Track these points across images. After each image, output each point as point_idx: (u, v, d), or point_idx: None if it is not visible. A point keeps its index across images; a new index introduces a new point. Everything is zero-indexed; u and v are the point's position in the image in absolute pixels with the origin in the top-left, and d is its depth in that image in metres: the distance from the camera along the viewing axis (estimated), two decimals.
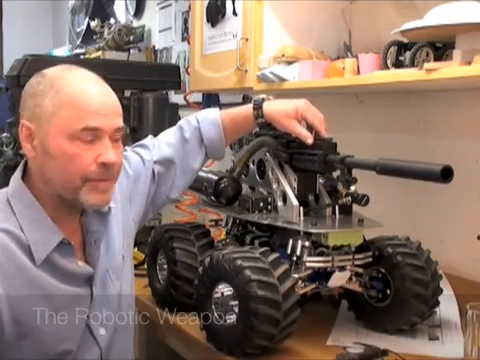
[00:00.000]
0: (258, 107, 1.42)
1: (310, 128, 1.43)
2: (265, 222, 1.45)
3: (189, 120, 1.47)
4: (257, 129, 1.63)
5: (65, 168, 1.10)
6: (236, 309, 1.28)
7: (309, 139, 1.39)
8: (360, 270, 1.43)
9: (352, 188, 1.38)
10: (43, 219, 1.13)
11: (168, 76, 2.59)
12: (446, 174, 1.13)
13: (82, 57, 3.80)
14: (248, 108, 1.44)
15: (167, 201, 1.47)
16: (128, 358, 1.33)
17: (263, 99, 1.44)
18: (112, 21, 3.88)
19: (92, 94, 1.12)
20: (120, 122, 1.16)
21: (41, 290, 1.11)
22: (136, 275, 1.95)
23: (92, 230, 1.22)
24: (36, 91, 1.12)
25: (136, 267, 2.04)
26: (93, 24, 3.74)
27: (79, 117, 1.09)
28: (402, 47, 1.46)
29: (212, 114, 1.47)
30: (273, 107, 1.43)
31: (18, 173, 1.17)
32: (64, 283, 1.14)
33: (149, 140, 1.46)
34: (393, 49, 1.46)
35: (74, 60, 3.04)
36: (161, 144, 1.44)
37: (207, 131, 1.45)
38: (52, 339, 1.13)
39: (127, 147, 1.45)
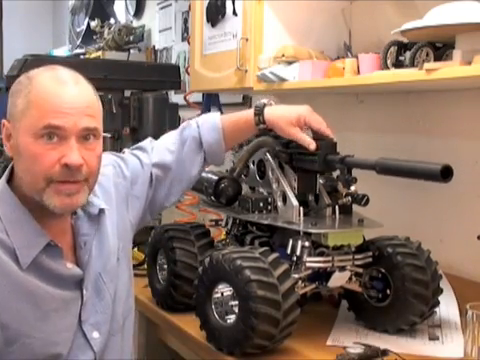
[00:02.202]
0: (259, 113, 1.41)
1: (314, 133, 1.43)
2: (265, 222, 1.45)
3: (190, 124, 1.47)
4: None
5: (30, 168, 1.09)
6: (236, 309, 1.28)
7: (311, 145, 1.38)
8: (360, 270, 1.43)
9: (352, 188, 1.39)
10: (28, 222, 1.12)
11: (168, 76, 2.59)
12: (446, 173, 1.13)
13: (82, 57, 3.80)
14: (249, 113, 1.43)
15: (165, 207, 1.47)
16: (127, 358, 1.32)
17: (264, 104, 1.43)
18: (112, 21, 3.88)
19: (59, 93, 1.10)
20: (89, 123, 1.11)
21: (28, 294, 1.10)
22: (136, 275, 1.95)
23: (82, 233, 1.21)
24: (14, 90, 1.13)
25: (136, 267, 2.04)
26: (93, 24, 3.74)
27: (42, 116, 1.08)
28: (402, 47, 1.46)
29: (212, 118, 1.46)
30: (275, 114, 1.41)
31: (4, 176, 1.16)
32: (53, 286, 1.13)
33: (148, 143, 1.45)
34: (393, 49, 1.46)
35: (74, 60, 3.04)
36: (160, 148, 1.43)
37: (206, 135, 1.43)
38: (41, 343, 1.11)
39: (125, 149, 1.44)
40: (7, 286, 1.08)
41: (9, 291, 1.08)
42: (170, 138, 1.46)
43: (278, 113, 1.42)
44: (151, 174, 1.40)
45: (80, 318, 1.17)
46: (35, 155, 1.08)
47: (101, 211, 1.23)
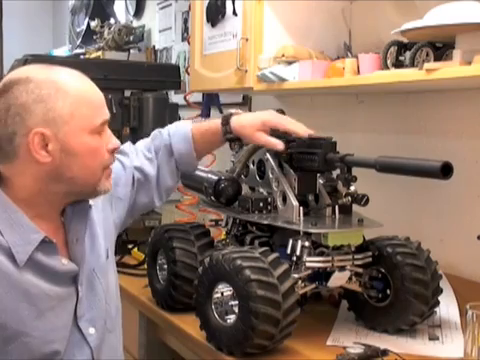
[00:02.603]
0: (226, 123, 1.44)
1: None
2: (265, 222, 1.45)
3: (161, 132, 1.49)
4: None
5: (90, 162, 1.16)
6: (236, 309, 1.28)
7: (279, 146, 1.41)
8: (360, 270, 1.43)
9: (352, 188, 1.39)
10: (22, 220, 1.13)
11: (168, 76, 2.59)
12: (446, 170, 1.13)
13: (82, 57, 3.80)
14: (217, 124, 1.45)
15: (145, 212, 1.52)
16: (120, 357, 1.34)
17: (231, 114, 1.45)
18: (112, 21, 3.88)
19: (94, 89, 1.18)
20: None
21: (25, 293, 1.11)
22: (136, 275, 1.97)
23: (74, 229, 1.22)
24: (41, 96, 1.10)
25: (136, 267, 2.05)
26: (93, 24, 3.73)
27: (95, 113, 1.16)
28: (402, 47, 1.46)
29: (183, 128, 1.48)
30: (241, 122, 1.44)
31: None
32: (49, 283, 1.14)
33: (128, 146, 1.47)
34: (393, 49, 1.46)
35: (74, 60, 3.04)
36: (139, 153, 1.46)
37: (177, 145, 1.46)
38: (39, 342, 1.12)
39: None
40: (4, 286, 1.09)
41: (6, 291, 1.09)
42: (145, 145, 1.49)
43: (244, 121, 1.44)
44: (133, 176, 1.42)
45: (75, 315, 1.18)
46: (94, 150, 1.16)
47: (89, 207, 1.25)
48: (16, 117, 1.10)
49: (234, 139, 1.46)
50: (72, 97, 1.12)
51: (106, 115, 1.19)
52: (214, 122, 1.47)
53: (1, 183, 1.16)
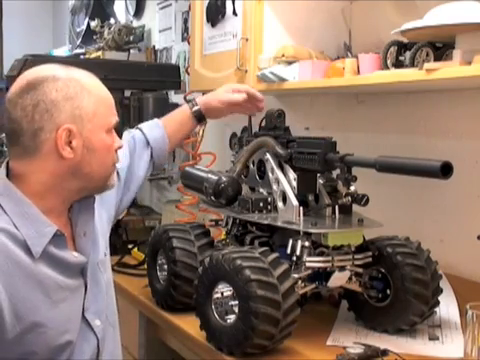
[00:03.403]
0: (191, 100, 1.65)
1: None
2: (265, 222, 1.45)
3: (130, 131, 1.61)
4: (257, 129, 1.64)
5: (106, 159, 1.22)
6: (236, 309, 1.28)
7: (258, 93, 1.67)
8: (360, 270, 1.43)
9: (352, 188, 1.38)
10: (35, 214, 1.15)
11: (168, 76, 2.59)
12: (446, 170, 1.13)
13: (82, 57, 3.80)
14: (183, 105, 1.66)
15: (119, 212, 1.55)
16: (119, 352, 1.37)
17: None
18: (112, 21, 3.87)
19: (107, 91, 1.24)
20: None
21: (40, 284, 1.13)
22: (136, 275, 1.97)
23: (81, 222, 1.25)
24: (69, 94, 1.15)
25: (136, 267, 2.05)
26: (93, 24, 3.73)
27: (111, 113, 1.23)
28: (402, 47, 1.46)
29: (151, 121, 1.66)
30: (206, 95, 1.67)
31: (2, 172, 1.19)
32: (61, 275, 1.17)
33: None
34: (393, 49, 1.46)
35: (74, 60, 3.04)
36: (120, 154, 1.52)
37: (150, 132, 1.60)
38: (54, 332, 1.15)
39: None
40: (21, 278, 1.11)
41: (23, 282, 1.11)
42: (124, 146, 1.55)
43: (210, 94, 1.67)
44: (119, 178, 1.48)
45: (83, 306, 1.22)
46: (109, 147, 1.23)
47: (94, 201, 1.28)
48: (45, 113, 1.13)
49: (200, 114, 1.63)
50: (94, 96, 1.18)
51: (117, 118, 1.25)
52: (181, 106, 1.67)
53: (13, 179, 1.17)
